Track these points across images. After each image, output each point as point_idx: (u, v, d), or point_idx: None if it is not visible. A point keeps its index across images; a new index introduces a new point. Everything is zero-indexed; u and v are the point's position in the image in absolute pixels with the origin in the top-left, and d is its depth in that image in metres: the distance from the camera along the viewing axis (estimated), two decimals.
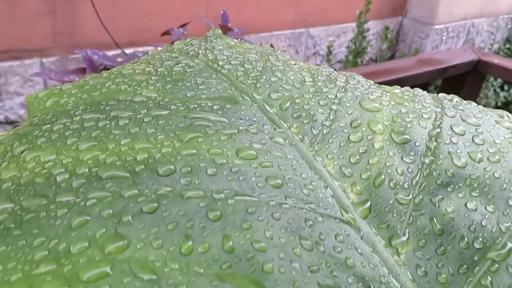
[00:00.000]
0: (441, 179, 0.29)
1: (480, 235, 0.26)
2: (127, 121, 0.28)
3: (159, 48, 0.51)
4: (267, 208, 0.23)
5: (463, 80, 1.29)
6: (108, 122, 0.28)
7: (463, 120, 0.33)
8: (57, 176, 0.24)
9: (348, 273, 0.23)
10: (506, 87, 2.61)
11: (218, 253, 0.21)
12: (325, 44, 2.45)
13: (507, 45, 3.29)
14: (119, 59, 1.14)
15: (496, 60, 1.24)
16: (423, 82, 1.18)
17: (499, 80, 2.57)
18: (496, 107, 2.46)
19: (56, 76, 1.01)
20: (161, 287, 0.19)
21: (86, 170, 0.24)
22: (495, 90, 2.59)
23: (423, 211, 0.27)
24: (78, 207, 0.22)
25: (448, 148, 0.30)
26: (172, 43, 0.91)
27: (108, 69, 0.94)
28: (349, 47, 2.44)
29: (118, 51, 1.60)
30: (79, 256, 0.20)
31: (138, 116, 0.29)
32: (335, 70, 0.42)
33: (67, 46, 1.66)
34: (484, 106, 0.37)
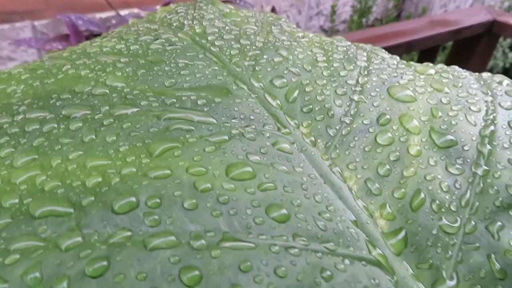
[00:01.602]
0: (500, 198, 0.21)
1: None
2: (81, 124, 0.21)
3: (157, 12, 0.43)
4: (268, 259, 0.16)
5: (477, 43, 1.21)
6: (56, 125, 0.21)
7: None
8: None
9: None
10: None
11: None
12: (329, 4, 2.32)
13: None
14: (114, 21, 1.05)
15: None
16: (435, 45, 1.09)
17: (508, 40, 2.44)
18: (504, 69, 2.34)
19: (37, 44, 0.92)
20: None
21: (16, 202, 0.17)
22: (503, 51, 2.46)
23: (478, 244, 0.20)
24: None
25: (507, 154, 0.23)
26: (165, 4, 0.82)
27: (96, 35, 0.85)
28: (354, 6, 2.32)
29: (113, 13, 1.52)
30: None
31: (96, 117, 0.22)
32: (338, 31, 0.34)
33: (60, 8, 1.56)
34: (492, 68, 0.30)
